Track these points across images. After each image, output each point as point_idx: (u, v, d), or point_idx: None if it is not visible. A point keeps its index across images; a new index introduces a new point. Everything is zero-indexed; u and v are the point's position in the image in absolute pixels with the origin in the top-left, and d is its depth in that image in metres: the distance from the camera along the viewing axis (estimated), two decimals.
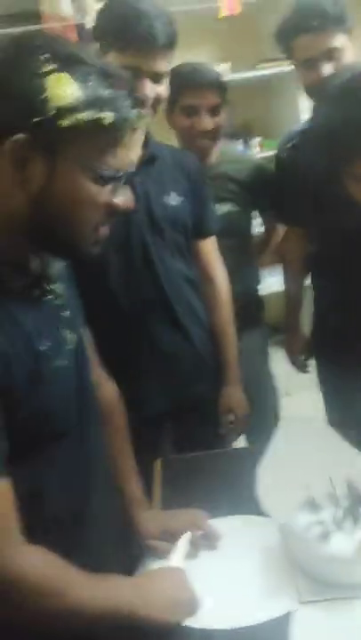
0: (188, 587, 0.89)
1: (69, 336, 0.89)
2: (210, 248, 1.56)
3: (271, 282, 2.28)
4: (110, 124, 0.76)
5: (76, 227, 0.80)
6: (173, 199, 1.43)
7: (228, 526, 1.05)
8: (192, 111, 1.60)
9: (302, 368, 1.88)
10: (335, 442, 1.17)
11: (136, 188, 1.33)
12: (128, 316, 1.41)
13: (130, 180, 1.35)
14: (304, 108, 2.39)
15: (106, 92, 0.76)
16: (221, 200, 1.68)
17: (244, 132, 2.76)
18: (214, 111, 1.62)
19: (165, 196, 1.43)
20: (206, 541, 1.02)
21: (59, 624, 0.77)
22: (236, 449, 1.34)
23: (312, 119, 1.58)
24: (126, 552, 1.05)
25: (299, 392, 2.71)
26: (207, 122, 1.61)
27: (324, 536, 0.90)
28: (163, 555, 1.01)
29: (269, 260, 2.01)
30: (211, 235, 1.55)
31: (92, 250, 0.84)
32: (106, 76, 0.77)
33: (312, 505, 0.95)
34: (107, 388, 1.10)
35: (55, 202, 0.77)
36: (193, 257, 1.51)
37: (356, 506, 0.92)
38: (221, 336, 1.56)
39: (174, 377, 1.47)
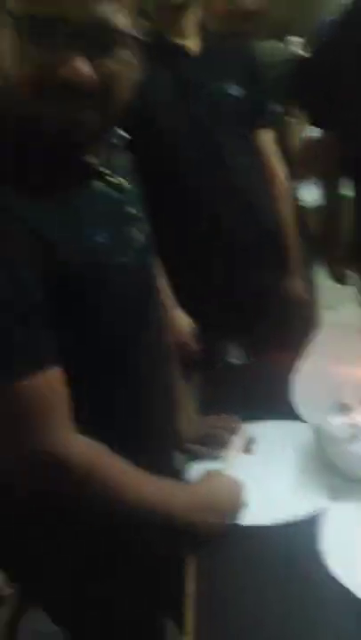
0: (237, 492, 0.90)
1: (136, 235, 0.83)
2: (269, 139, 1.54)
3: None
4: None
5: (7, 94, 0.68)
6: (232, 89, 1.41)
7: (262, 430, 1.07)
8: None
9: (341, 280, 1.83)
10: None
11: (195, 79, 1.35)
12: (201, 208, 1.42)
13: (188, 71, 1.33)
14: None
15: None
16: None
17: (280, 32, 2.57)
18: None
19: (226, 86, 1.40)
20: (243, 446, 1.04)
21: (100, 508, 0.78)
22: (273, 359, 1.34)
23: None
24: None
25: (342, 305, 2.68)
26: (252, 1, 1.52)
27: (356, 436, 0.91)
28: (201, 458, 1.04)
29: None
30: (270, 125, 1.53)
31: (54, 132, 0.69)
32: None
33: (345, 408, 0.96)
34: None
35: None
36: (255, 149, 1.51)
37: None
38: (284, 229, 1.56)
39: (247, 262, 1.49)
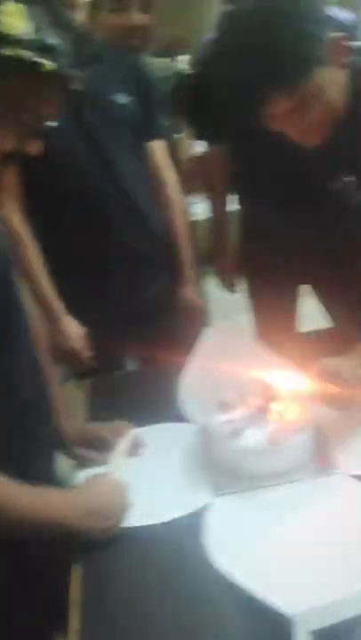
0: (123, 494, 0.91)
1: None
2: (160, 151, 1.56)
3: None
4: (46, 72, 0.74)
5: None
6: (122, 98, 1.43)
7: (151, 433, 1.09)
8: (121, 6, 1.52)
9: (231, 289, 1.90)
10: (256, 348, 1.20)
11: (87, 87, 1.32)
12: (92, 215, 1.42)
13: (78, 80, 1.37)
14: None
15: (55, 41, 0.75)
16: None
17: (172, 49, 2.66)
18: (146, 7, 1.53)
19: (114, 95, 1.42)
20: (130, 449, 1.05)
21: (3, 535, 0.79)
22: (165, 364, 1.36)
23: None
24: None
25: (237, 315, 2.77)
26: (138, 18, 1.53)
27: (237, 432, 0.95)
28: (90, 463, 1.03)
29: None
30: (161, 137, 1.55)
31: None
32: (62, 25, 0.77)
33: (227, 406, 0.99)
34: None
35: None
36: (145, 160, 1.52)
37: (268, 403, 0.96)
38: (178, 238, 1.59)
39: (141, 271, 1.50)
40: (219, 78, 0.97)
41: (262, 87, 0.92)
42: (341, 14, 1.39)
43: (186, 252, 1.61)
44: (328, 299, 1.77)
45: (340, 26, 1.03)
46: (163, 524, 0.89)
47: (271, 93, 0.93)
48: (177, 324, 1.61)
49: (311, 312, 1.85)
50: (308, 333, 1.57)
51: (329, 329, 1.62)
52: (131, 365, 1.73)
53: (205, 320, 1.73)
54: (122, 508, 0.90)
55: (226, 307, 2.18)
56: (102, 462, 1.03)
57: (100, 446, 1.05)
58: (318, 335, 1.48)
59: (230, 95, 0.96)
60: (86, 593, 0.82)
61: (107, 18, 1.53)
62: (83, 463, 1.05)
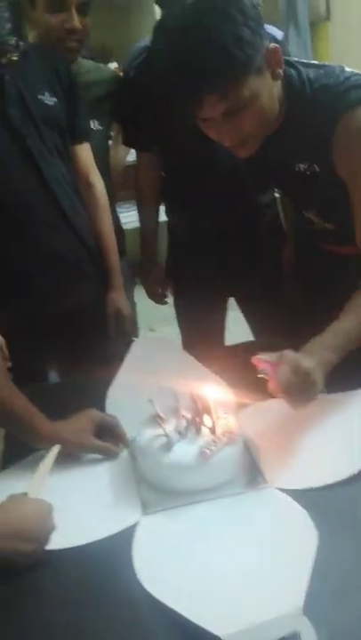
0: (46, 515, 0.86)
1: None
2: (86, 154, 1.53)
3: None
4: None
5: None
6: (48, 99, 1.39)
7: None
8: (60, 7, 1.47)
9: (160, 300, 1.88)
10: (185, 361, 1.18)
11: (8, 86, 1.32)
12: (14, 220, 1.37)
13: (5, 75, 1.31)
14: None
15: None
16: None
17: (101, 56, 2.64)
18: (84, 10, 1.51)
19: (40, 95, 1.38)
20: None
21: None
22: (92, 374, 1.31)
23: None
24: None
25: (162, 327, 2.75)
26: (77, 20, 1.49)
27: (168, 447, 0.92)
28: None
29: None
30: (86, 140, 1.52)
31: None
32: None
33: (158, 419, 0.96)
34: None
35: None
36: (72, 163, 1.49)
37: (199, 416, 0.94)
38: (104, 243, 1.56)
39: (67, 277, 1.46)
40: (155, 75, 0.95)
41: (197, 84, 0.91)
42: (273, 30, 1.42)
43: (113, 258, 1.57)
44: (251, 311, 1.79)
45: (273, 40, 1.03)
46: (90, 544, 0.85)
47: (206, 92, 0.92)
48: (104, 334, 1.57)
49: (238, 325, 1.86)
50: (235, 346, 1.57)
51: (254, 342, 1.63)
52: (54, 377, 1.67)
53: (133, 330, 1.70)
54: (45, 531, 0.84)
55: (152, 318, 2.15)
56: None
57: None
58: (244, 348, 1.48)
59: (166, 91, 0.94)
60: (7, 618, 0.77)
61: (43, 17, 1.49)
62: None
